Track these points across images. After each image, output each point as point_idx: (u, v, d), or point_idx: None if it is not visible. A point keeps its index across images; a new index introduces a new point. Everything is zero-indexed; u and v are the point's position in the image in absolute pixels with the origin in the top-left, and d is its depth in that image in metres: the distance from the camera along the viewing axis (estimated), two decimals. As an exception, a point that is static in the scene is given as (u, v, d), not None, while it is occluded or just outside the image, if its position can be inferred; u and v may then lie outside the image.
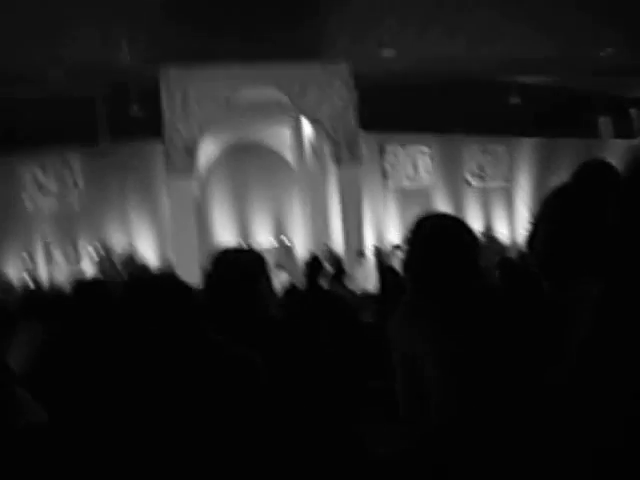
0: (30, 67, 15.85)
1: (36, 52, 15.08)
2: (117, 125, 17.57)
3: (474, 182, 20.72)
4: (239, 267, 3.12)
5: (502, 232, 20.33)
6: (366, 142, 18.31)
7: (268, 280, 3.14)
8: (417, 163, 20.00)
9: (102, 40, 14.88)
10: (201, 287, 3.21)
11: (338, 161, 17.49)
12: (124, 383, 2.39)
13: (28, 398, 2.52)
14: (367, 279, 15.22)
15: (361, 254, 16.27)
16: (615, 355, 1.46)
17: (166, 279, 2.61)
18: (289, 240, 19.16)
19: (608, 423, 1.46)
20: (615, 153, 17.60)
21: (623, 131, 22.30)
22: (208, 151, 18.17)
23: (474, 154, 20.79)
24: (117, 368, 2.49)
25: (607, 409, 1.47)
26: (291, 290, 8.43)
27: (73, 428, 2.45)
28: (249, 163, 18.66)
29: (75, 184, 18.00)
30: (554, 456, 1.77)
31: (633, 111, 23.50)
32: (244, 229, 18.89)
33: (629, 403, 1.42)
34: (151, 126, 16.74)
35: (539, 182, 20.47)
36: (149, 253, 17.52)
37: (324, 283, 8.57)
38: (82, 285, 4.48)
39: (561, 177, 2.09)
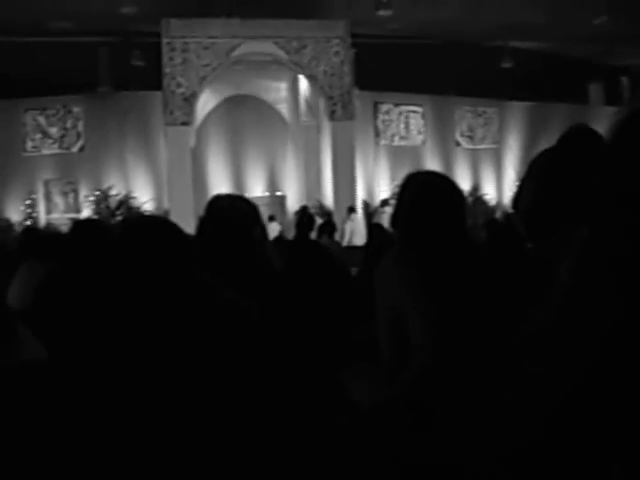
0: (36, 17, 16.17)
1: (43, 2, 15.39)
2: (118, 74, 17.96)
3: (464, 143, 21.14)
4: (233, 213, 3.10)
5: (490, 193, 20.78)
6: (360, 99, 18.65)
7: (262, 228, 3.16)
8: (409, 122, 20.42)
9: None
10: (195, 233, 3.16)
11: (332, 117, 17.84)
12: (116, 322, 2.35)
13: (28, 334, 2.51)
14: (356, 233, 15.61)
15: (351, 209, 16.67)
16: (593, 302, 1.46)
17: (159, 222, 2.55)
18: (281, 191, 19.63)
19: (576, 367, 1.49)
20: (604, 120, 17.70)
21: (613, 99, 22.49)
22: (206, 102, 18.54)
23: (465, 115, 21.18)
24: (110, 309, 2.41)
25: (577, 354, 1.48)
26: (279, 240, 8.72)
27: (70, 365, 2.36)
28: (245, 116, 19.02)
29: (76, 129, 18.46)
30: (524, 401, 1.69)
31: (624, 79, 23.76)
32: (238, 179, 19.30)
33: (600, 348, 1.44)
34: (151, 76, 17.12)
35: (528, 145, 20.76)
36: (145, 198, 18.01)
37: (313, 235, 8.99)
38: (79, 224, 4.48)
39: (550, 141, 2.27)
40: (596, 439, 1.47)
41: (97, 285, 2.97)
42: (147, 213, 15.93)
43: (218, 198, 3.23)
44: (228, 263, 2.96)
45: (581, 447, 1.49)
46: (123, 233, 2.46)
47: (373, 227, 9.84)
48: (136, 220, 2.72)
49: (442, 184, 2.87)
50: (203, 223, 3.13)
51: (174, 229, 2.47)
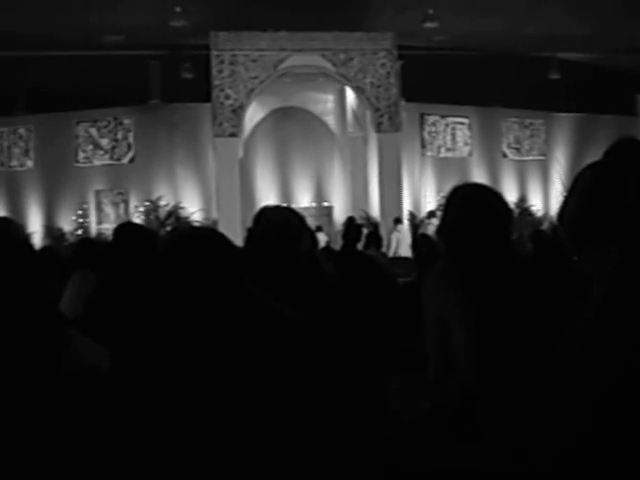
0: (89, 32, 16.53)
1: (94, 18, 15.73)
2: (168, 86, 18.22)
3: (511, 154, 21.07)
4: (281, 224, 3.11)
5: (536, 205, 20.67)
6: (407, 111, 18.70)
7: (313, 236, 3.28)
8: (455, 133, 20.43)
9: (157, 6, 15.46)
10: (243, 244, 3.19)
11: (379, 129, 17.92)
12: (167, 334, 2.36)
13: (89, 342, 2.46)
14: (402, 244, 15.65)
15: (397, 220, 16.70)
16: (624, 322, 1.48)
17: (210, 234, 2.51)
18: (328, 202, 19.74)
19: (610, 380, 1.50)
20: (653, 131, 17.75)
21: (661, 110, 22.30)
22: (254, 114, 18.76)
23: (512, 127, 21.12)
24: (161, 320, 2.42)
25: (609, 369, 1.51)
26: (326, 250, 8.77)
27: (122, 373, 2.37)
28: (292, 128, 19.18)
29: (126, 141, 18.82)
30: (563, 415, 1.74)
31: (673, 90, 23.46)
32: (285, 190, 19.47)
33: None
34: (200, 88, 17.40)
35: (575, 157, 20.61)
36: (194, 209, 18.25)
37: (360, 246, 9.05)
38: (122, 227, 4.45)
39: (597, 153, 2.20)
40: (628, 450, 1.48)
41: (149, 296, 2.88)
42: (196, 224, 16.10)
43: (266, 209, 3.28)
44: (276, 274, 2.98)
45: (614, 454, 1.50)
46: (174, 245, 2.46)
47: (419, 238, 9.84)
48: (187, 232, 2.72)
49: (489, 196, 2.87)
50: (252, 234, 3.17)
51: (224, 241, 2.47)
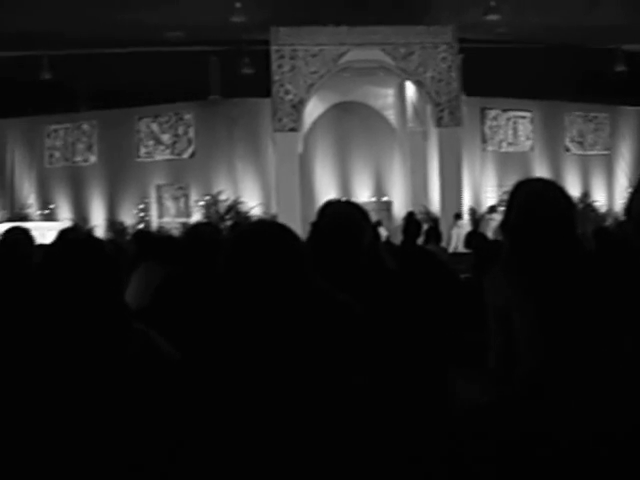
0: (150, 28, 16.71)
1: (156, 15, 15.90)
2: (228, 82, 18.36)
3: (574, 149, 20.73)
4: (344, 218, 3.10)
5: (600, 200, 20.30)
6: (467, 105, 18.54)
7: (375, 230, 3.26)
8: (517, 128, 20.19)
9: (218, 2, 15.56)
10: (307, 238, 3.15)
11: (439, 123, 17.79)
12: (232, 325, 2.39)
13: (156, 335, 2.51)
14: (462, 240, 15.52)
15: (457, 215, 16.59)
16: None
17: (274, 226, 2.54)
18: (388, 197, 19.68)
19: None
20: None
21: None
22: (313, 109, 18.77)
23: (575, 120, 20.77)
24: (226, 312, 2.45)
25: None
26: (386, 245, 8.75)
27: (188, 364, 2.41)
28: (352, 122, 19.16)
29: (187, 136, 19.02)
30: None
31: None
32: (345, 185, 19.44)
33: None
34: (260, 84, 17.47)
35: (640, 151, 20.37)
36: (253, 203, 18.34)
37: (419, 241, 9.00)
38: (197, 226, 4.60)
39: None
40: None
41: (214, 288, 2.88)
42: (259, 218, 16.18)
43: (330, 204, 3.28)
44: (340, 267, 2.98)
45: None
46: (241, 238, 2.48)
47: (472, 235, 9.73)
48: (253, 226, 2.73)
49: (552, 191, 2.84)
50: (315, 228, 3.17)
51: (289, 235, 2.48)
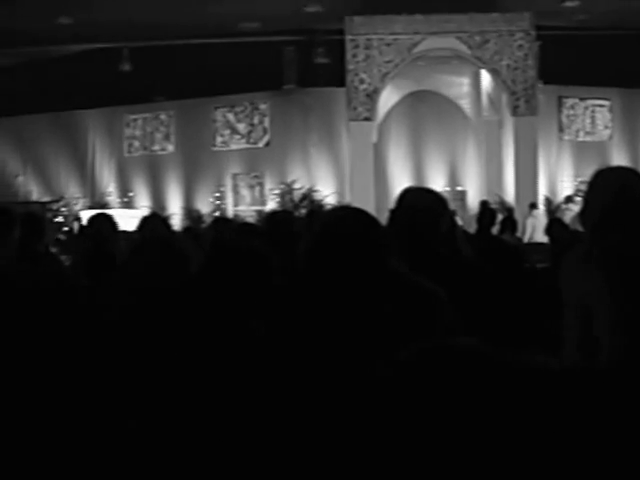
0: (226, 19, 16.92)
1: (231, 6, 16.09)
2: (303, 71, 18.47)
3: (655, 137, 20.26)
4: (422, 205, 3.14)
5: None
6: (544, 94, 18.29)
7: (452, 218, 3.27)
8: (595, 117, 19.82)
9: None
10: (386, 224, 3.17)
11: (515, 112, 17.58)
12: (309, 307, 2.44)
13: None
14: (537, 230, 15.37)
15: (533, 205, 16.41)
16: None
17: (356, 213, 2.58)
18: (462, 187, 19.56)
19: None
20: None
21: None
22: (388, 98, 18.75)
23: (656, 109, 20.30)
24: (305, 295, 2.51)
25: None
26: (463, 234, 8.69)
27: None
28: (426, 111, 19.06)
29: (262, 125, 19.23)
30: None
31: None
32: (419, 174, 19.36)
33: None
34: (335, 73, 17.54)
35: None
36: (327, 192, 18.43)
37: (494, 230, 8.97)
38: (275, 213, 4.86)
39: None
40: None
41: (293, 273, 3.04)
42: (340, 205, 16.27)
43: (409, 190, 3.35)
44: (417, 254, 3.01)
45: None
46: (325, 223, 2.56)
47: (553, 223, 9.64)
48: (336, 211, 2.83)
49: (635, 180, 2.80)
50: (394, 215, 3.23)
51: (370, 220, 2.53)
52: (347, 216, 2.57)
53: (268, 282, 2.54)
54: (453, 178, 19.60)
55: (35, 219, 5.19)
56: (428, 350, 0.88)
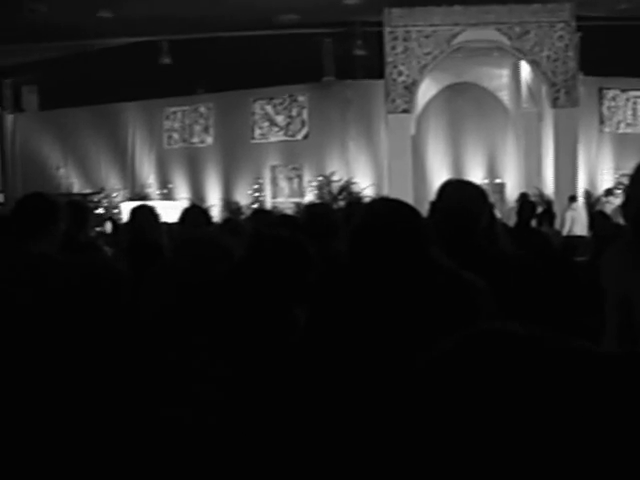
0: (264, 12, 16.97)
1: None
2: (342, 63, 18.48)
3: (699, 130, 19.97)
4: (462, 197, 3.15)
5: None
6: (585, 85, 18.11)
7: (491, 211, 3.26)
8: (637, 108, 19.58)
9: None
10: (427, 216, 3.16)
11: (555, 104, 17.42)
12: (352, 296, 2.45)
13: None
14: (576, 223, 15.25)
15: (572, 198, 16.28)
16: None
17: (399, 205, 2.61)
18: (500, 179, 19.46)
19: None
20: None
21: None
22: (426, 90, 18.69)
23: (700, 101, 20.00)
24: (348, 285, 2.51)
25: None
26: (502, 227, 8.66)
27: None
28: (465, 104, 18.96)
29: (301, 117, 19.29)
30: None
31: None
32: (457, 167, 19.30)
33: None
34: (373, 65, 17.53)
35: None
36: (365, 184, 18.45)
37: (533, 223, 8.93)
38: (312, 206, 4.90)
39: None
40: None
41: (334, 263, 3.10)
42: (381, 196, 16.29)
43: (449, 183, 3.33)
44: (457, 247, 3.00)
45: None
46: (367, 215, 2.59)
47: (596, 215, 9.58)
48: (374, 202, 2.88)
49: None
50: (435, 207, 3.23)
51: (411, 211, 2.58)
52: (388, 207, 2.63)
53: (308, 272, 2.57)
54: (491, 171, 19.49)
55: (79, 209, 5.27)
56: (476, 335, 0.87)
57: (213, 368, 2.26)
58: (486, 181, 19.08)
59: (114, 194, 19.90)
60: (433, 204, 3.23)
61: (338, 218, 5.18)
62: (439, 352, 0.88)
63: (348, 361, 2.38)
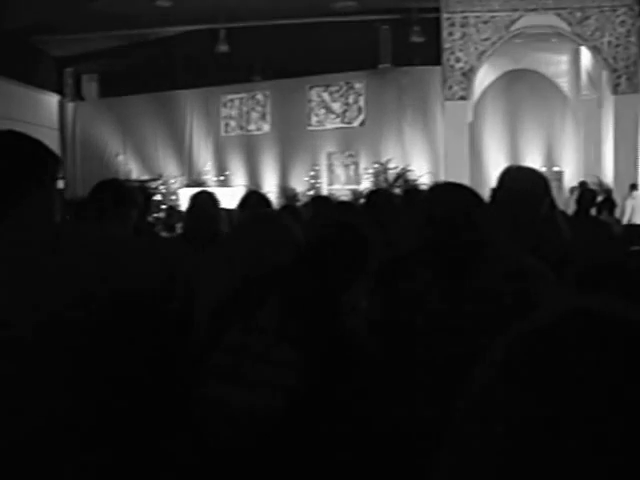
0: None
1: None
2: (398, 50, 18.40)
3: None
4: (524, 184, 3.14)
5: None
6: (647, 71, 17.79)
7: (552, 200, 3.22)
8: (701, 94, 19.17)
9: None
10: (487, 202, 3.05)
11: (615, 90, 17.15)
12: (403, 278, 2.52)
13: None
14: (637, 211, 15.05)
15: (633, 186, 16.04)
16: None
17: (463, 188, 2.60)
18: (558, 167, 19.21)
19: None
20: None
21: None
22: (484, 77, 18.52)
23: None
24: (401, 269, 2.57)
25: None
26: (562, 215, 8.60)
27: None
28: (523, 90, 18.76)
29: (357, 104, 19.28)
30: None
31: None
32: (514, 154, 19.10)
33: None
34: (430, 52, 17.41)
35: None
36: (422, 172, 18.36)
37: (593, 212, 8.83)
38: (376, 193, 4.90)
39: None
40: None
41: (396, 248, 3.18)
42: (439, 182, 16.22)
43: (510, 170, 3.31)
44: (515, 235, 2.97)
45: None
46: (428, 199, 2.62)
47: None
48: (438, 187, 2.80)
49: None
50: (495, 193, 3.22)
51: (474, 197, 2.56)
52: (452, 192, 2.60)
53: (370, 257, 2.59)
54: (550, 158, 19.25)
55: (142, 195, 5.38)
56: (568, 311, 0.82)
57: (278, 351, 2.29)
58: (544, 169, 18.83)
59: (172, 181, 20.13)
60: (494, 191, 3.21)
61: (398, 204, 5.21)
62: (534, 326, 0.84)
63: (413, 348, 2.40)
